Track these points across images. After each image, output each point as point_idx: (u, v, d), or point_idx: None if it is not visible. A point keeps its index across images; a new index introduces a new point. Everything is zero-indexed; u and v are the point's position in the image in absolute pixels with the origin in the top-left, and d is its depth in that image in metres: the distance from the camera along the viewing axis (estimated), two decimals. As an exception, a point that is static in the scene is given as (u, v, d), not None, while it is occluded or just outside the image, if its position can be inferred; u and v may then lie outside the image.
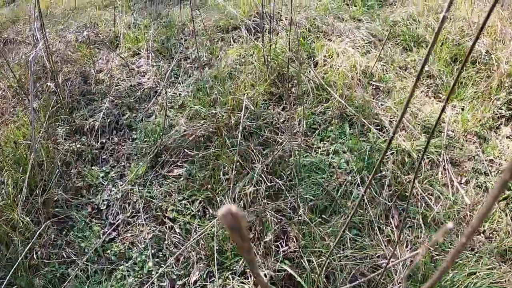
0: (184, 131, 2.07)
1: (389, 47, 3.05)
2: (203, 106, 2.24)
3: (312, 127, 2.22)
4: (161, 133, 2.12)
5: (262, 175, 1.82)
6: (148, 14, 3.37)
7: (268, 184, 1.78)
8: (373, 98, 2.47)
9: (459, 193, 2.16)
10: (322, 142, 2.15)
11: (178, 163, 2.03)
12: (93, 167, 2.19)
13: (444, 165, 2.27)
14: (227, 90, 2.25)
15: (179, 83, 2.55)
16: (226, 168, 1.88)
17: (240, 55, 2.65)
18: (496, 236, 2.03)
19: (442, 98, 2.71)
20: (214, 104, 2.19)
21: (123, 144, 2.29)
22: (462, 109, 2.61)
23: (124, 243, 1.84)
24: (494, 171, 2.34)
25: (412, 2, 3.77)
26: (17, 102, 2.59)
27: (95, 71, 2.72)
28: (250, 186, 1.76)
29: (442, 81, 2.78)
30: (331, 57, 2.69)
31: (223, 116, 2.09)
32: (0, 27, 3.81)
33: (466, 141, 2.49)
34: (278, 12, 3.04)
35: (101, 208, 1.98)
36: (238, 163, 1.87)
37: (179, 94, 2.46)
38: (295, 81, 2.35)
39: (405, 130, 2.37)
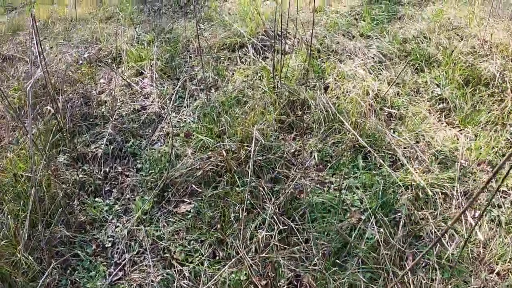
0: (192, 165, 1.99)
1: (400, 67, 2.97)
2: (210, 135, 2.16)
3: (324, 159, 2.15)
4: (167, 165, 2.04)
5: (274, 217, 1.75)
6: (151, 29, 3.27)
7: (281, 227, 1.72)
8: (386, 126, 2.39)
9: (472, 229, 2.11)
10: (334, 176, 2.08)
11: (185, 199, 1.95)
12: (96, 199, 2.11)
13: (458, 199, 2.22)
14: (235, 118, 2.17)
15: (185, 106, 2.46)
16: (237, 207, 1.81)
17: (247, 77, 2.56)
18: (509, 275, 1.99)
19: (455, 124, 2.64)
20: (222, 134, 2.12)
21: (127, 173, 2.21)
22: (476, 136, 2.54)
23: (132, 284, 1.77)
24: (508, 203, 2.28)
25: (421, 18, 3.68)
26: (17, 124, 2.50)
27: (97, 92, 2.62)
28: (262, 230, 1.70)
29: (455, 104, 2.71)
30: (342, 79, 2.61)
31: (232, 149, 2.01)
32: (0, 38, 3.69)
33: (479, 170, 2.43)
34: (286, 29, 2.94)
35: (106, 245, 1.91)
36: (248, 202, 1.81)
37: (185, 120, 2.38)
38: (306, 108, 2.27)
39: (419, 161, 2.31)
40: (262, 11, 3.33)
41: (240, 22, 3.20)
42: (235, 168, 1.93)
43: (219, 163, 1.99)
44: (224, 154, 1.94)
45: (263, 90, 2.33)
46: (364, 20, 3.63)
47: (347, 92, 2.47)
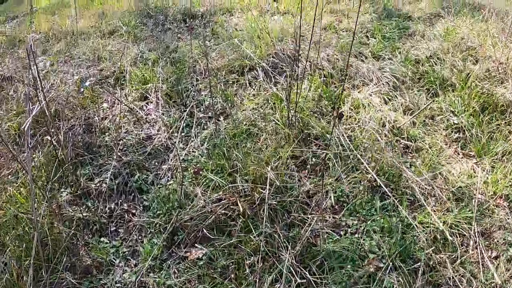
0: (203, 207, 1.90)
1: (415, 92, 2.88)
2: (221, 172, 2.06)
3: (340, 200, 2.06)
4: (176, 205, 1.95)
5: (291, 268, 1.67)
6: (155, 46, 3.14)
7: (299, 280, 1.64)
8: (403, 160, 2.31)
9: (490, 271, 2.04)
10: (351, 217, 2.00)
11: (197, 244, 1.87)
12: (102, 239, 2.02)
13: (475, 239, 2.14)
14: (247, 155, 2.07)
15: (193, 137, 2.36)
16: (251, 257, 1.73)
17: (258, 105, 2.46)
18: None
19: (471, 155, 2.56)
20: (234, 172, 2.02)
21: (134, 211, 2.11)
22: (493, 168, 2.47)
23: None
24: (526, 241, 2.22)
25: (433, 36, 3.58)
26: (16, 154, 2.39)
27: (100, 118, 2.51)
28: (279, 284, 1.62)
29: (471, 134, 2.63)
30: (357, 108, 2.52)
31: (244, 190, 1.92)
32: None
33: (496, 206, 2.36)
34: (298, 51, 2.83)
35: (113, 293, 1.82)
36: (263, 250, 1.72)
37: (193, 152, 2.28)
38: (322, 142, 2.18)
39: (436, 198, 2.23)
40: (270, 28, 3.22)
41: (248, 40, 3.09)
42: (249, 213, 1.84)
43: (231, 206, 1.90)
44: (237, 198, 1.85)
45: (275, 122, 2.23)
46: (374, 37, 3.52)
47: (363, 123, 2.38)
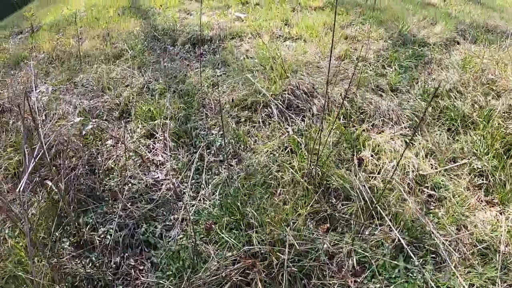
0: (217, 270, 1.76)
1: (436, 132, 2.74)
2: (236, 229, 1.93)
3: (362, 260, 1.93)
4: (188, 266, 1.81)
5: None
6: (162, 75, 2.99)
7: None
8: (426, 211, 2.18)
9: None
10: (373, 280, 1.87)
11: (210, 311, 1.73)
12: (107, 298, 1.88)
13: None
14: (264, 211, 1.93)
15: (203, 184, 2.22)
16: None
17: (273, 149, 2.32)
18: None
19: (495, 202, 2.43)
20: (249, 229, 1.88)
21: (141, 267, 1.97)
22: (518, 216, 2.33)
23: None
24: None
25: (451, 64, 3.45)
26: (14, 197, 2.25)
27: (103, 158, 2.37)
28: None
29: (494, 179, 2.49)
30: (378, 154, 2.38)
31: (262, 252, 1.78)
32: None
33: (522, 260, 2.23)
34: (313, 86, 2.70)
35: None
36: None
37: (204, 201, 2.14)
38: (342, 195, 2.05)
39: (460, 254, 2.10)
40: (283, 56, 3.08)
41: (261, 68, 2.95)
42: (266, 279, 1.71)
43: (247, 270, 1.76)
44: (254, 261, 1.71)
45: (292, 173, 2.10)
46: (391, 66, 3.39)
47: (385, 172, 2.25)
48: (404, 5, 5.04)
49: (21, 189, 1.53)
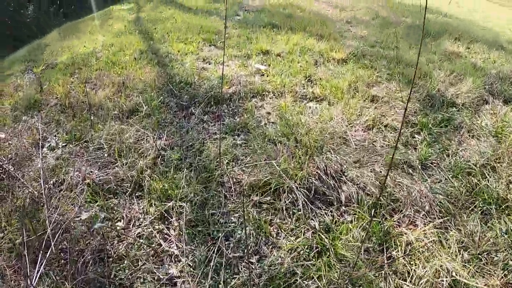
0: None
1: (469, 218, 2.52)
2: None
3: None
4: None
5: None
6: (179, 141, 2.82)
7: None
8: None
9: None
10: None
11: None
12: None
13: None
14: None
15: (221, 284, 2.02)
16: None
17: (297, 247, 2.12)
18: None
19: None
20: None
21: None
22: None
23: None
24: None
25: (481, 131, 3.23)
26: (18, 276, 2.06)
27: (113, 245, 2.18)
28: None
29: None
30: (409, 254, 2.17)
31: None
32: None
33: None
34: (341, 169, 2.50)
35: None
36: None
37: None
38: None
39: None
40: (307, 122, 2.90)
41: (283, 140, 2.76)
42: None
43: None
44: None
45: (318, 278, 1.89)
46: (420, 134, 3.19)
47: (417, 278, 2.03)
48: (429, 56, 4.85)
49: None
